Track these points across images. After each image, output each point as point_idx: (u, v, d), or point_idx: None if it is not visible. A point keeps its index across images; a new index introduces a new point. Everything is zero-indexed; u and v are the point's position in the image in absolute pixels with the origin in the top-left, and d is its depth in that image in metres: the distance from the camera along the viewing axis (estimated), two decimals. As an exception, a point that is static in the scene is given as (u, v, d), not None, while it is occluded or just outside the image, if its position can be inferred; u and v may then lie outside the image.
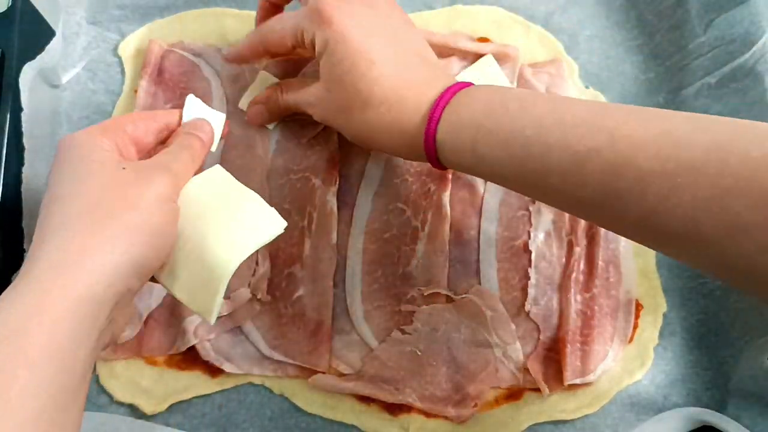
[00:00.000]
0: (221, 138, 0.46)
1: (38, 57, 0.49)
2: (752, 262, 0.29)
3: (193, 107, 0.44)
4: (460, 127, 0.39)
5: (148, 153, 0.41)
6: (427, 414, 0.48)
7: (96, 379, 0.49)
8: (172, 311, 0.49)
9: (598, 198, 0.34)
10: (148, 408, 0.48)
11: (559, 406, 0.49)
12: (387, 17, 0.44)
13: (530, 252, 0.51)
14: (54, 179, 0.35)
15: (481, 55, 0.53)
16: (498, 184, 0.41)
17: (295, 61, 0.54)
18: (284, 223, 0.39)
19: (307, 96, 0.46)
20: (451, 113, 0.39)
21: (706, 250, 0.31)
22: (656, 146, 0.32)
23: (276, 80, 0.53)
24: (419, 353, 0.48)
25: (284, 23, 0.45)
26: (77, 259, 0.31)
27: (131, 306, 0.38)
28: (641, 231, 0.34)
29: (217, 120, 0.45)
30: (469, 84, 0.41)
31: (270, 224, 0.39)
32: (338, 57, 0.41)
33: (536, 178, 0.36)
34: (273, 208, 0.39)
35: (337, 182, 0.51)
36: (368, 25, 0.42)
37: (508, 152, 0.37)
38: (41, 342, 0.29)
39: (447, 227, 0.51)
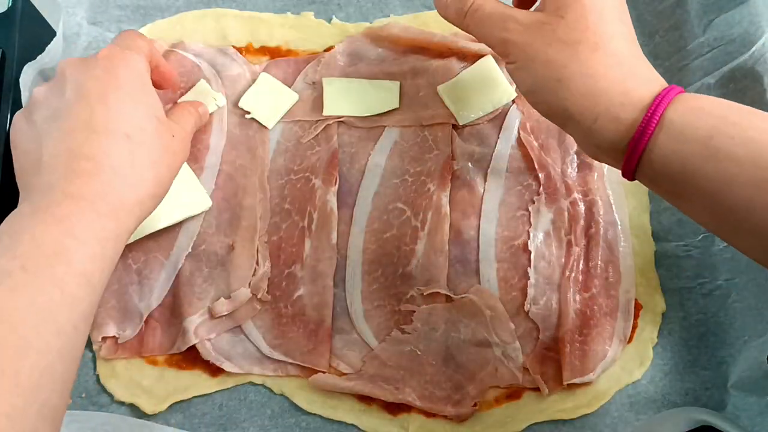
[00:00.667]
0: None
1: (39, 57, 0.49)
2: None
3: (203, 88, 0.52)
4: (697, 112, 0.33)
5: None
6: (427, 413, 0.48)
7: (96, 378, 0.49)
8: (173, 311, 0.49)
9: None
10: (148, 407, 0.48)
11: (558, 405, 0.49)
12: None
13: (529, 252, 0.51)
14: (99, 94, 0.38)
15: (481, 56, 0.54)
16: (698, 198, 0.34)
17: (295, 61, 0.55)
18: (209, 203, 0.49)
19: (518, 16, 0.38)
20: (687, 99, 0.34)
21: None
22: None
23: (279, 82, 0.53)
24: (419, 353, 0.48)
25: None
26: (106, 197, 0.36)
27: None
28: None
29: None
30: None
31: (198, 203, 0.49)
32: None
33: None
34: (203, 188, 0.49)
35: (337, 182, 0.51)
36: None
37: (752, 150, 0.31)
38: (75, 267, 0.33)
39: (447, 227, 0.51)
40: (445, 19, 0.44)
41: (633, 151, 0.34)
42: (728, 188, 0.32)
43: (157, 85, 0.44)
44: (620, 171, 0.36)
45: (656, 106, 0.34)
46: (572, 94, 0.36)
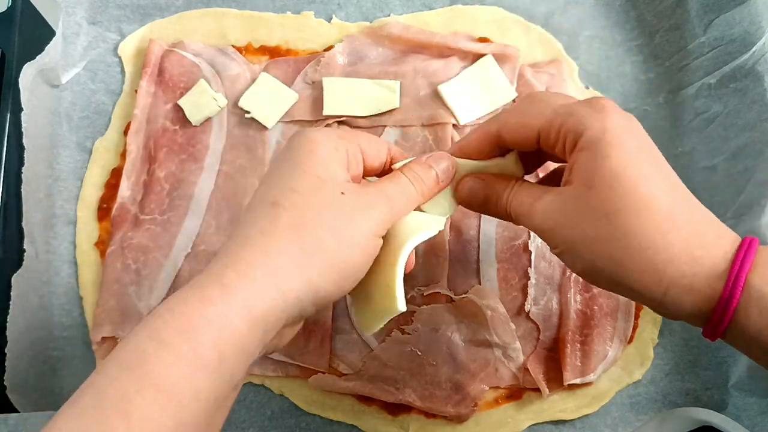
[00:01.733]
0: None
1: (38, 57, 0.49)
2: None
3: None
4: None
5: (362, 179, 0.38)
6: (427, 414, 0.48)
7: (96, 378, 0.49)
8: (172, 311, 0.49)
9: None
10: (148, 408, 0.47)
11: (558, 405, 0.49)
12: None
13: (530, 252, 0.51)
14: (276, 168, 0.35)
15: (481, 56, 0.53)
16: None
17: (295, 61, 0.54)
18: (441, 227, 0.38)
19: (545, 197, 0.35)
20: (763, 267, 0.31)
21: None
22: None
23: (278, 82, 0.53)
24: (419, 353, 0.48)
25: (533, 111, 0.36)
26: (266, 278, 0.31)
27: (300, 323, 0.36)
28: None
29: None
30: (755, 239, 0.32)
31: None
32: (618, 149, 0.32)
33: None
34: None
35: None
36: (645, 135, 0.34)
37: None
38: (210, 350, 0.28)
39: (447, 227, 0.51)
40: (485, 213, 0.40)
41: (718, 323, 0.31)
42: None
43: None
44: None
45: (736, 275, 0.30)
46: (632, 271, 0.31)
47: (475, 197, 0.39)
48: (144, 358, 0.27)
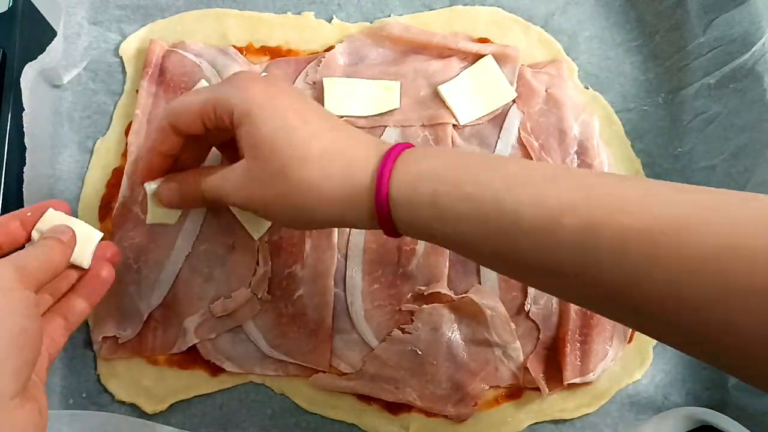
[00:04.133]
0: (108, 258, 0.42)
1: (39, 57, 0.49)
2: (742, 336, 0.25)
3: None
4: (417, 178, 0.35)
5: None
6: (428, 413, 0.48)
7: (97, 378, 0.49)
8: (173, 311, 0.49)
9: (571, 264, 0.30)
10: (148, 407, 0.48)
11: (558, 405, 0.49)
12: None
13: (530, 252, 0.51)
14: None
15: (481, 56, 0.54)
16: (457, 250, 0.36)
17: (296, 61, 0.55)
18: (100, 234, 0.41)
19: (229, 176, 0.39)
20: (406, 165, 0.35)
21: (688, 318, 0.27)
22: (636, 203, 0.29)
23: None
24: (419, 352, 0.48)
25: (192, 98, 0.39)
26: None
27: (35, 388, 0.34)
28: (618, 301, 0.30)
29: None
30: (411, 145, 0.38)
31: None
32: (266, 117, 0.37)
33: (504, 243, 0.32)
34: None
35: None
36: (294, 94, 0.39)
37: (473, 207, 0.33)
38: None
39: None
40: (180, 208, 0.46)
41: (389, 229, 0.37)
42: (462, 240, 0.34)
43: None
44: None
45: (378, 191, 0.35)
46: (313, 211, 0.37)
47: (174, 197, 0.43)
48: None
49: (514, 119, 0.53)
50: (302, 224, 0.41)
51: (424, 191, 0.34)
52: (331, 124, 0.38)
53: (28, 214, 0.40)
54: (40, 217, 0.40)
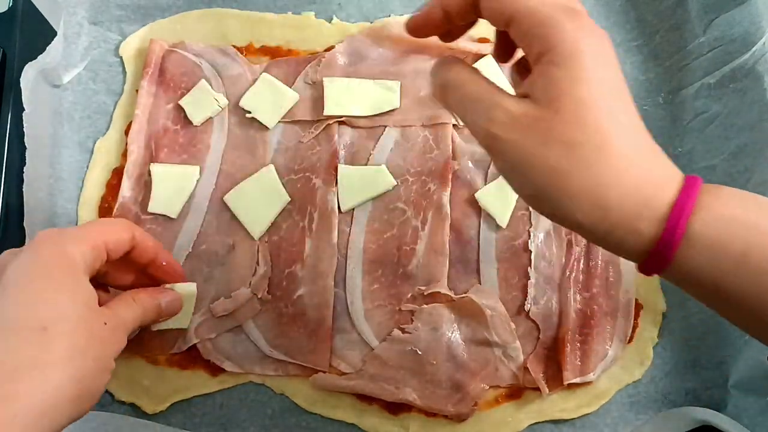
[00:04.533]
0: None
1: (39, 57, 0.49)
2: None
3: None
4: (726, 223, 0.29)
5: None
6: (428, 413, 0.48)
7: (97, 378, 0.49)
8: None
9: None
10: (149, 407, 0.48)
11: (558, 405, 0.49)
12: None
13: (530, 252, 0.51)
14: (31, 283, 0.35)
15: (481, 56, 0.54)
16: (752, 312, 0.31)
17: (296, 61, 0.55)
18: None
19: (504, 103, 0.31)
20: (713, 203, 0.30)
21: None
22: None
23: (279, 82, 0.53)
24: (419, 352, 0.48)
25: None
26: (37, 416, 0.32)
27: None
28: None
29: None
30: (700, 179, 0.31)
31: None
32: (600, 78, 0.30)
33: None
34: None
35: (338, 182, 0.51)
36: (618, 73, 0.32)
37: None
38: None
39: (447, 227, 0.51)
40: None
41: (657, 265, 0.31)
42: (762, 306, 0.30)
43: (137, 258, 0.43)
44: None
45: (677, 218, 0.29)
46: (581, 205, 0.30)
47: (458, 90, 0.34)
48: None
49: (514, 119, 0.53)
50: (553, 210, 0.31)
51: (734, 240, 0.29)
52: (638, 122, 0.32)
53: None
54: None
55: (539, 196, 0.31)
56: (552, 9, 0.31)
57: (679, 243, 0.29)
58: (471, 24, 0.36)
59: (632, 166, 0.30)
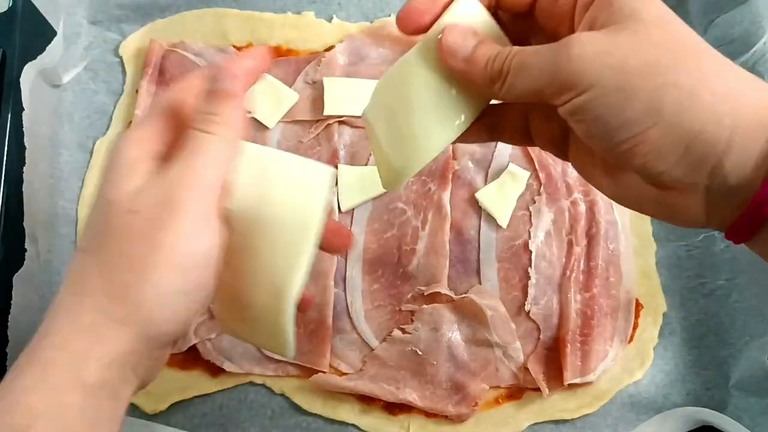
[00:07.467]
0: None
1: (39, 57, 0.49)
2: None
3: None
4: None
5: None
6: (428, 413, 0.48)
7: (97, 378, 0.49)
8: (173, 311, 0.49)
9: None
10: (148, 407, 0.48)
11: (559, 405, 0.49)
12: None
13: (530, 252, 0.51)
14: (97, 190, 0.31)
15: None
16: None
17: (296, 61, 0.54)
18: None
19: (572, 41, 0.27)
20: None
21: None
22: None
23: (279, 82, 0.53)
24: (419, 353, 0.48)
25: None
26: (85, 345, 0.28)
27: (166, 347, 0.33)
28: None
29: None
30: None
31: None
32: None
33: None
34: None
35: (338, 182, 0.51)
36: None
37: None
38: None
39: (447, 227, 0.51)
40: (468, 76, 0.32)
41: (727, 229, 0.27)
42: None
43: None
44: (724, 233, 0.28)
45: None
46: (700, 114, 0.25)
47: (468, 40, 0.32)
48: None
49: (514, 119, 0.53)
50: (663, 131, 0.26)
51: None
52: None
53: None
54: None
55: (663, 109, 0.26)
56: None
57: None
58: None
59: (736, 74, 0.26)
